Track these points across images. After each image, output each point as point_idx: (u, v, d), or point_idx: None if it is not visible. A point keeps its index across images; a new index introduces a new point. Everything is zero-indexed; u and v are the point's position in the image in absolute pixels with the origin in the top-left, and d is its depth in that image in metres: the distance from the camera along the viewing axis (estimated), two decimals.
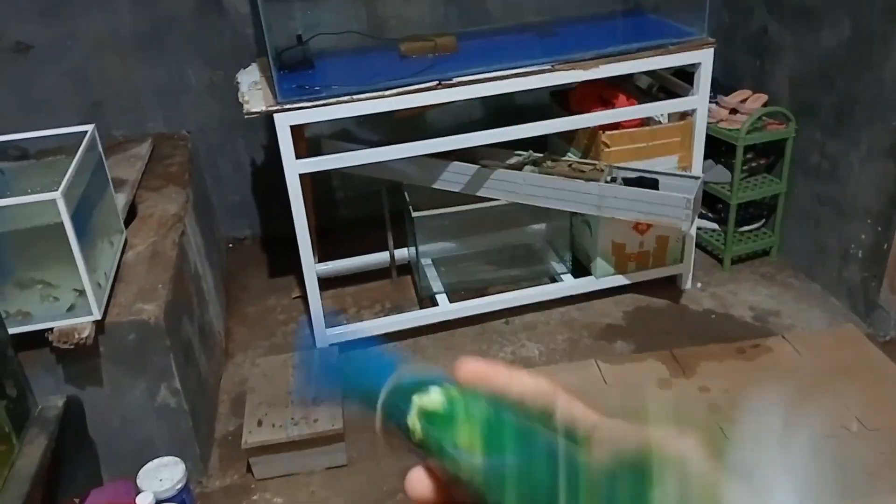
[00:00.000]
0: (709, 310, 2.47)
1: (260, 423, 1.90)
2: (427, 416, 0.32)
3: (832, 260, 2.42)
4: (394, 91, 2.04)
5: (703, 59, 2.23)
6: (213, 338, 2.30)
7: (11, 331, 1.57)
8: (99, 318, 1.65)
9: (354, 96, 2.02)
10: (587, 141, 2.44)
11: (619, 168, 2.33)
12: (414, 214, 2.41)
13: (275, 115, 1.99)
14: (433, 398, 0.32)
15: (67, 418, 1.65)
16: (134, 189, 2.22)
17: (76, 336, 1.60)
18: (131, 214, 2.14)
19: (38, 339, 1.62)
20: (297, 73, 2.16)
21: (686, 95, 2.32)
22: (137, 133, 2.61)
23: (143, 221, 2.13)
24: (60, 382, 1.71)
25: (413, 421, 0.32)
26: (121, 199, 2.07)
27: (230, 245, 2.99)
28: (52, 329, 1.61)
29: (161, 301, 1.78)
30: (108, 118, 2.60)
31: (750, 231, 2.70)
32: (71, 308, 1.64)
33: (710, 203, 2.67)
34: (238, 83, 2.22)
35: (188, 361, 1.93)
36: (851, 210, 2.30)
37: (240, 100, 2.11)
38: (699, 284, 2.58)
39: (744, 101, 2.58)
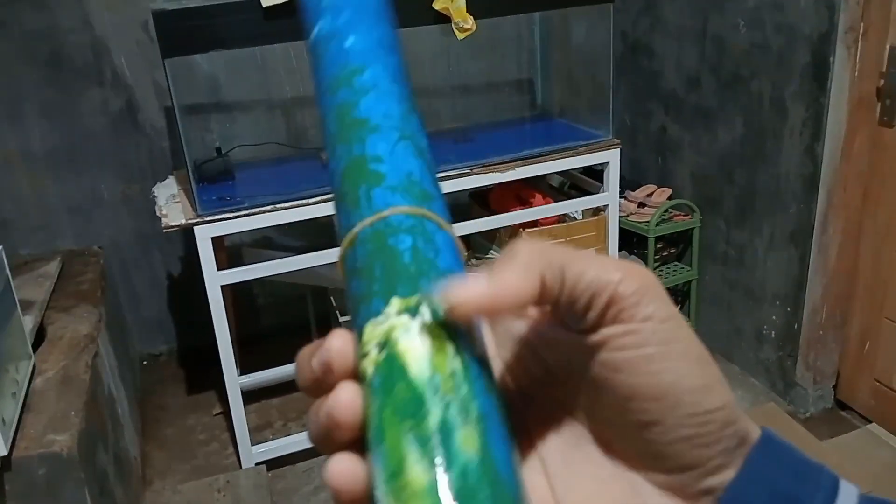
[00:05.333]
0: None
1: None
2: (389, 358, 0.25)
3: (748, 342, 2.52)
4: (316, 198, 2.04)
5: (611, 158, 2.35)
6: (129, 465, 2.15)
7: None
8: (5, 453, 1.52)
9: (277, 205, 2.01)
10: (508, 238, 2.50)
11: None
12: (341, 318, 2.37)
13: (195, 228, 1.95)
14: (414, 343, 0.25)
15: None
16: (42, 310, 2.10)
17: None
18: (40, 337, 2.02)
19: None
20: (217, 184, 2.14)
21: (597, 192, 2.43)
22: (46, 251, 2.50)
23: (53, 344, 2.01)
24: None
25: (369, 347, 0.26)
26: (28, 322, 1.95)
27: (144, 362, 2.85)
28: None
29: (74, 430, 1.66)
30: (14, 237, 2.49)
31: None
32: None
33: None
34: (155, 196, 2.18)
35: (103, 495, 1.79)
36: (761, 294, 2.42)
37: (157, 213, 2.07)
38: None
39: (650, 195, 2.72)
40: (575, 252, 0.27)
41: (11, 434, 1.57)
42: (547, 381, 0.29)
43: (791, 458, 0.27)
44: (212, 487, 2.00)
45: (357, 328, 0.28)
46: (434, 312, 0.26)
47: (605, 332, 0.26)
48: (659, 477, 0.27)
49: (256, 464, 2.16)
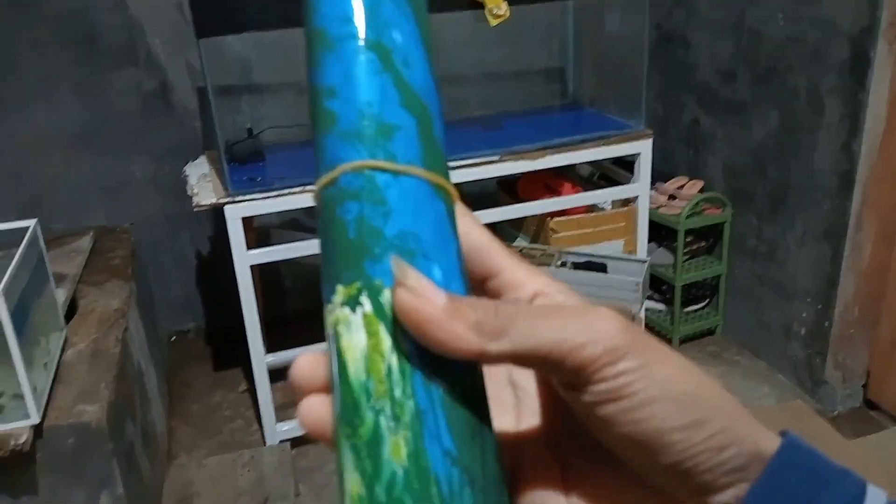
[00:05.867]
0: None
1: None
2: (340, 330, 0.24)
3: (776, 338, 2.49)
4: None
5: (643, 149, 2.33)
6: (156, 439, 2.18)
7: None
8: (37, 422, 1.55)
9: (306, 187, 2.02)
10: (535, 227, 2.49)
11: (567, 253, 2.37)
12: None
13: (225, 208, 1.97)
14: (352, 342, 0.24)
15: None
16: (74, 284, 2.14)
17: (12, 443, 1.49)
18: (72, 310, 2.06)
19: None
20: (247, 165, 2.16)
21: (627, 183, 2.41)
22: (79, 227, 2.54)
23: (84, 318, 2.05)
24: None
25: (328, 334, 0.25)
26: (61, 295, 1.99)
27: (172, 339, 2.89)
28: None
29: (103, 402, 1.69)
30: (48, 213, 2.53)
31: (695, 311, 2.76)
32: (6, 413, 1.54)
33: (656, 285, 2.74)
34: (186, 176, 2.20)
35: (131, 466, 1.82)
36: (791, 290, 2.39)
37: (188, 193, 2.09)
38: None
39: (681, 187, 2.69)
40: (539, 307, 0.27)
41: (43, 403, 1.60)
42: (569, 425, 0.29)
43: (815, 464, 0.27)
44: (236, 463, 2.02)
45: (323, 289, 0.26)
46: (374, 301, 0.24)
47: (584, 393, 0.25)
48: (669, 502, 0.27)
49: (280, 441, 2.19)
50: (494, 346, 0.24)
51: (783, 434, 0.27)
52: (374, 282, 0.24)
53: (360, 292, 0.24)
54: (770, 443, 0.26)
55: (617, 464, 0.27)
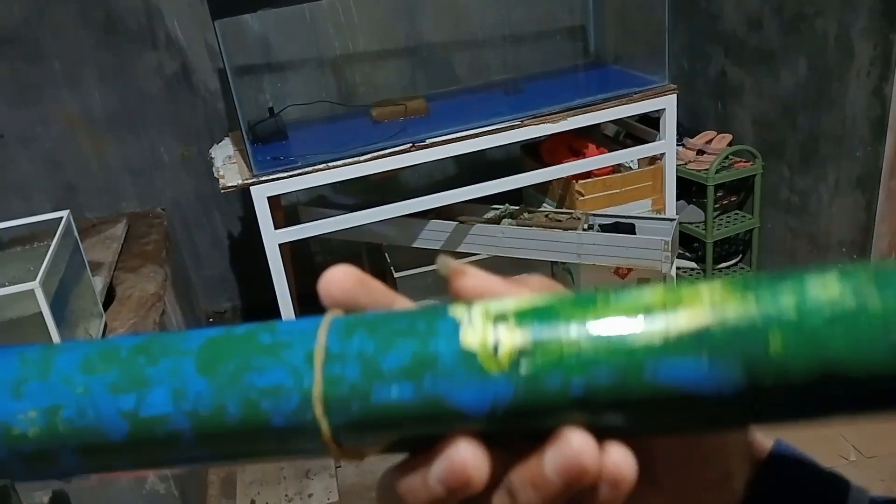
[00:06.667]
0: None
1: (253, 503, 1.85)
2: (521, 314, 0.21)
3: None
4: (368, 156, 2.05)
5: (667, 104, 2.28)
6: None
7: None
8: None
9: (329, 164, 2.03)
10: (561, 191, 2.47)
11: (594, 215, 2.35)
12: (396, 275, 2.41)
13: (251, 188, 1.99)
14: (513, 300, 0.22)
15: None
16: (111, 271, 2.19)
17: None
18: (109, 297, 2.11)
19: None
20: (270, 144, 2.17)
21: (653, 141, 2.37)
22: (112, 213, 2.60)
23: (122, 303, 2.10)
24: None
25: (485, 333, 0.21)
26: (98, 282, 2.04)
27: (210, 320, 2.95)
28: None
29: None
30: (81, 201, 2.59)
31: (728, 268, 2.73)
32: None
33: (687, 242, 2.71)
34: (212, 158, 2.23)
35: None
36: (826, 241, 2.34)
37: (215, 175, 2.11)
38: None
39: (709, 142, 2.64)
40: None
41: None
42: None
43: (802, 471, 0.28)
44: None
45: None
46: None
47: None
48: None
49: None
50: None
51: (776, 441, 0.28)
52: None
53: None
54: (761, 444, 0.28)
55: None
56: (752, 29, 2.44)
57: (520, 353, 0.20)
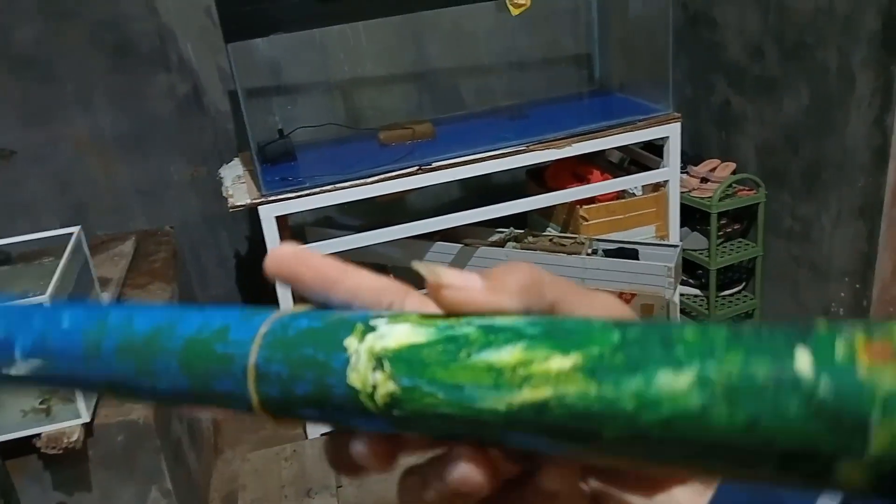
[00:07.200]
0: None
1: None
2: (395, 358, 0.23)
3: (814, 319, 2.45)
4: (375, 178, 2.08)
5: (671, 132, 2.31)
6: (202, 434, 2.25)
7: None
8: (88, 420, 1.62)
9: (337, 185, 2.06)
10: (565, 216, 2.50)
11: (598, 240, 2.37)
12: None
13: (259, 207, 2.02)
14: (401, 332, 0.23)
15: None
16: (119, 287, 2.22)
17: (65, 440, 1.56)
18: None
19: (24, 446, 1.59)
20: (279, 165, 2.20)
21: (657, 168, 2.40)
22: (121, 231, 2.62)
23: None
24: (48, 489, 1.66)
25: (365, 375, 0.23)
26: (106, 298, 2.06)
27: None
28: (39, 435, 1.58)
29: None
30: (91, 218, 2.62)
31: (731, 295, 2.74)
32: (57, 413, 1.61)
33: (690, 269, 2.72)
34: (221, 178, 2.26)
35: (178, 461, 1.89)
36: (828, 269, 2.35)
37: (224, 194, 2.14)
38: None
39: (713, 169, 2.66)
40: (570, 290, 0.26)
41: (93, 403, 1.67)
42: None
43: None
44: (279, 456, 2.08)
45: None
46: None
47: None
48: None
49: (321, 434, 2.24)
50: (536, 306, 0.25)
51: None
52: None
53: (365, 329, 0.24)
54: None
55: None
56: (754, 58, 2.48)
57: (391, 398, 0.23)
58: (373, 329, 0.23)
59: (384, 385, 0.22)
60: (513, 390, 0.21)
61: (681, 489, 0.28)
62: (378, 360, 0.23)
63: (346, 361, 0.23)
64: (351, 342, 0.23)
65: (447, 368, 0.22)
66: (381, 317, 0.24)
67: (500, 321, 0.23)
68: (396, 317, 0.24)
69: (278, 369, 0.24)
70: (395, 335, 0.23)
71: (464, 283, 0.24)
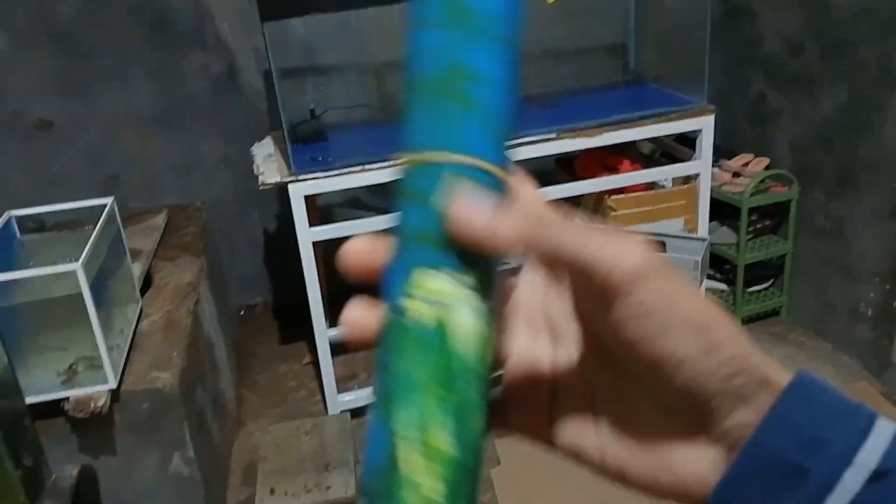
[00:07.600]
0: None
1: (272, 492, 1.89)
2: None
3: (842, 319, 2.42)
4: None
5: (705, 125, 2.29)
6: (225, 406, 2.30)
7: (28, 400, 1.59)
8: (114, 386, 1.66)
9: (366, 166, 2.08)
10: (593, 205, 2.49)
11: (626, 231, 2.36)
12: None
13: (289, 186, 2.04)
14: (468, 323, 0.28)
15: (81, 488, 1.64)
16: (150, 259, 2.26)
17: (92, 405, 1.61)
18: (147, 284, 2.17)
19: (53, 409, 1.63)
20: (310, 145, 2.22)
21: (689, 160, 2.37)
22: (153, 205, 2.67)
23: (159, 291, 2.16)
24: (74, 452, 1.71)
25: (417, 294, 0.28)
26: (137, 269, 2.11)
27: (241, 313, 3.02)
28: (67, 398, 1.62)
29: (176, 369, 1.79)
30: (124, 191, 2.67)
31: (759, 291, 2.71)
32: (81, 378, 1.66)
33: (718, 264, 2.70)
34: (253, 156, 2.29)
35: (201, 430, 1.93)
36: (858, 270, 2.32)
37: (255, 172, 2.17)
38: None
39: (746, 164, 2.63)
40: (575, 225, 0.28)
41: (120, 370, 1.72)
42: (598, 356, 0.31)
43: (825, 400, 0.27)
44: (300, 430, 2.11)
45: (403, 256, 0.29)
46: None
47: (612, 312, 0.27)
48: (680, 425, 0.29)
49: (341, 411, 2.27)
50: (549, 250, 0.28)
51: (799, 371, 0.28)
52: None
53: (476, 286, 0.27)
54: (781, 376, 0.28)
55: (639, 390, 0.30)
56: (793, 53, 2.44)
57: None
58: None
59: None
60: None
61: (694, 453, 0.29)
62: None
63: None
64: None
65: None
66: None
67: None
68: None
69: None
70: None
71: (467, 217, 0.28)
